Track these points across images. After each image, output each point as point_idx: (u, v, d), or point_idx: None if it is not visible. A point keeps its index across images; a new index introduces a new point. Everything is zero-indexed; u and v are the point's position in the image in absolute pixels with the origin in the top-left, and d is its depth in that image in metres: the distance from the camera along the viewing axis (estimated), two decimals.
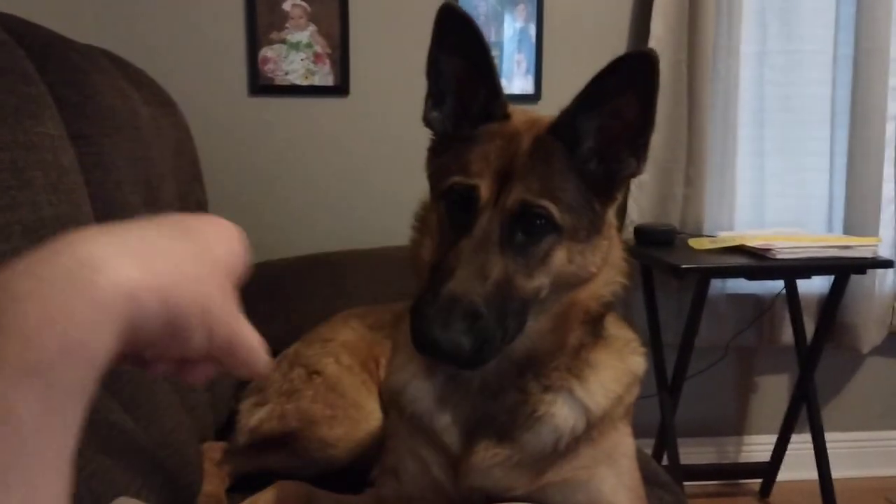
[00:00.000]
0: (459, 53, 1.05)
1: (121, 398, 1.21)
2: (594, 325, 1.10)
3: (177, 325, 0.43)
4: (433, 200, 1.08)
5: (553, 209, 0.98)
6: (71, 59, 1.38)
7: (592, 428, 1.09)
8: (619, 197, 1.10)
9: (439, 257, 0.99)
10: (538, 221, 0.98)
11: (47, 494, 0.37)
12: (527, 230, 0.98)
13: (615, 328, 1.18)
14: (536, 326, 1.04)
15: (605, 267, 1.07)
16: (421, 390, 1.13)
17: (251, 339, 0.49)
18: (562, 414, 1.07)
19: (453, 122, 1.10)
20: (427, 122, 1.11)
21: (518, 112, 1.09)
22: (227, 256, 0.50)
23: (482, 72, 1.05)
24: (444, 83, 1.09)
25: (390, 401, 1.34)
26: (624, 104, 1.00)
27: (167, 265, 0.43)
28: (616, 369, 1.13)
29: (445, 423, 1.11)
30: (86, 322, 0.38)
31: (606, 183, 1.05)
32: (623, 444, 1.15)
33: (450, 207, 1.02)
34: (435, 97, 1.10)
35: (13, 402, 0.35)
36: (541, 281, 1.00)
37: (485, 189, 0.98)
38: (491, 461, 1.08)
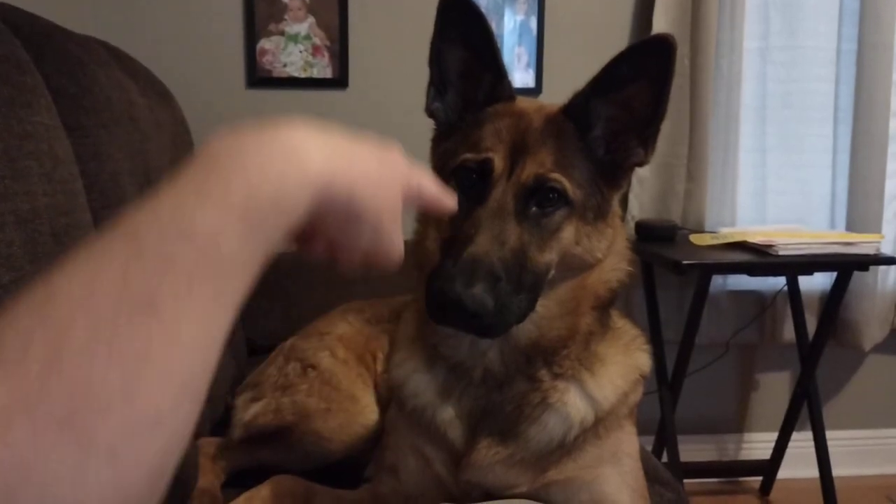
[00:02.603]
0: (462, 42, 1.06)
1: None
2: (603, 312, 1.10)
3: (352, 217, 0.53)
4: (443, 183, 1.07)
5: (566, 183, 0.99)
6: (68, 49, 1.37)
7: (599, 423, 1.09)
8: (625, 185, 1.11)
9: (453, 231, 0.99)
10: (551, 195, 0.99)
11: (215, 320, 0.41)
12: (540, 203, 0.99)
13: (621, 321, 1.18)
14: (544, 311, 1.04)
15: (610, 255, 1.08)
16: (422, 384, 1.12)
17: (399, 248, 0.60)
18: (574, 403, 1.07)
19: (456, 111, 1.10)
20: (430, 112, 1.11)
21: (521, 98, 1.10)
22: (405, 170, 0.61)
23: (487, 57, 1.06)
24: (447, 73, 1.09)
25: (391, 396, 1.33)
26: (637, 91, 1.01)
27: (360, 163, 0.53)
28: (623, 365, 1.13)
29: (448, 417, 1.10)
30: (294, 189, 0.46)
31: (613, 170, 1.06)
32: (627, 444, 1.15)
33: (461, 183, 1.01)
34: (437, 87, 1.10)
35: (222, 232, 0.41)
36: (551, 256, 1.00)
37: (498, 162, 0.99)
38: (493, 458, 1.07)
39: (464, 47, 1.06)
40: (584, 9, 2.55)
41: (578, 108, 1.04)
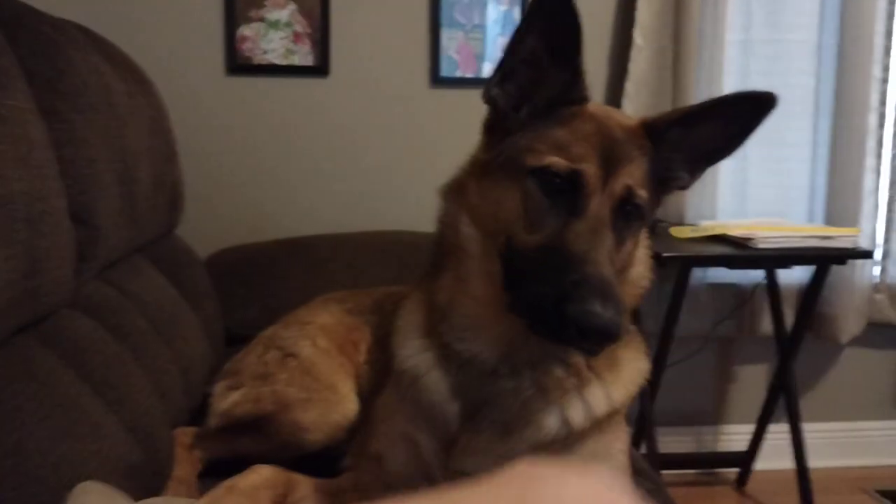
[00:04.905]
0: (542, 34, 1.02)
1: (92, 381, 1.18)
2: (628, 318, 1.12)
3: None
4: (511, 178, 1.03)
5: (645, 199, 1.01)
6: (43, 32, 1.35)
7: (604, 420, 1.12)
8: (662, 202, 1.14)
9: (547, 238, 0.97)
10: (633, 210, 1.01)
11: None
12: (625, 216, 1.00)
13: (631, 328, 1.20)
14: None
15: (636, 263, 1.11)
16: (439, 382, 1.12)
17: None
18: (596, 396, 1.10)
19: (511, 101, 1.07)
20: (488, 97, 1.09)
21: (591, 102, 1.09)
22: None
23: (567, 54, 1.02)
24: (520, 61, 1.05)
25: (371, 388, 1.32)
26: (715, 130, 1.06)
27: None
28: (635, 369, 1.17)
29: (452, 404, 1.11)
30: None
31: (660, 189, 1.09)
32: (621, 440, 1.19)
33: (546, 187, 0.99)
34: (506, 74, 1.07)
35: None
36: (620, 268, 1.02)
37: (593, 172, 0.98)
38: (486, 446, 1.07)
39: (542, 39, 1.02)
40: None
41: (659, 130, 1.05)
